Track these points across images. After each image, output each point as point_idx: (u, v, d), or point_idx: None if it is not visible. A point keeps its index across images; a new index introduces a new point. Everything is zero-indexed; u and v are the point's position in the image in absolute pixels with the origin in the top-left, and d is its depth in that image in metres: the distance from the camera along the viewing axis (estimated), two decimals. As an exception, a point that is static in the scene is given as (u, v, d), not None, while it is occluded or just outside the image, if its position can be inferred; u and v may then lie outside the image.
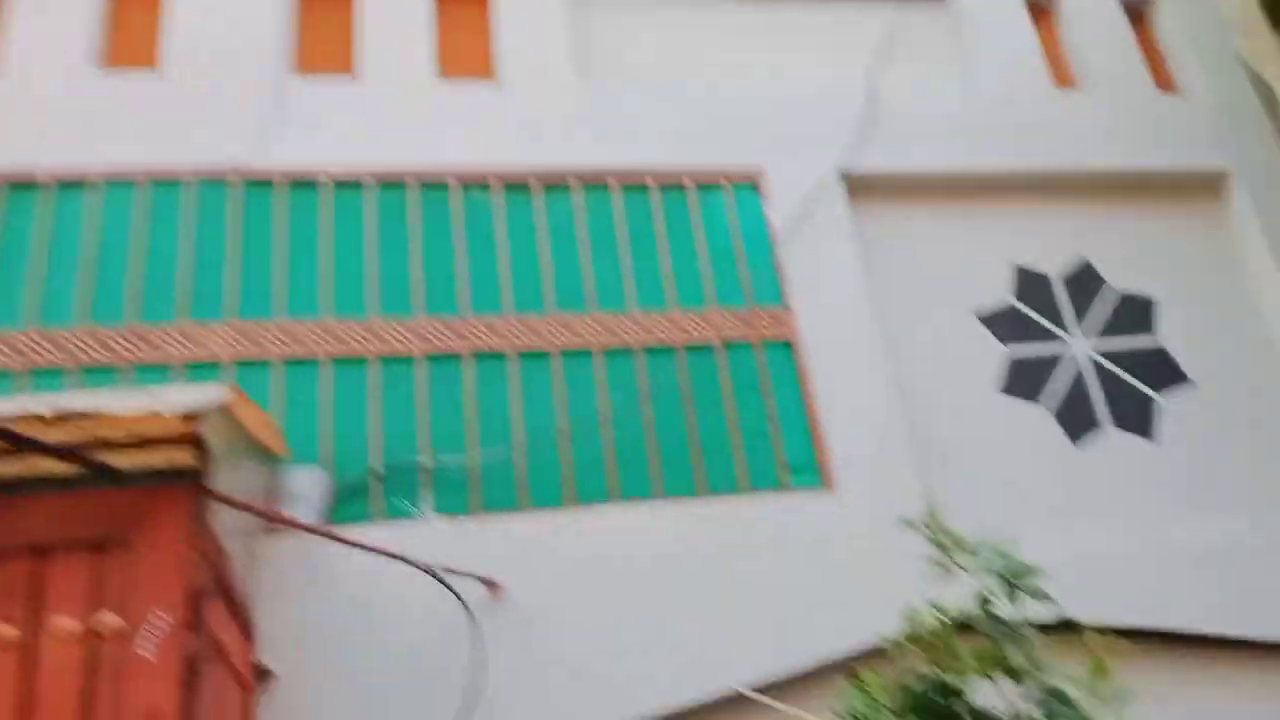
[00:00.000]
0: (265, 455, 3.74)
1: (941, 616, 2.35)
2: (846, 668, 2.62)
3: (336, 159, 4.53)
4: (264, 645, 3.45)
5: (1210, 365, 5.07)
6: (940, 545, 2.33)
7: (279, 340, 4.13)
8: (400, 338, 4.24)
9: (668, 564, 3.92)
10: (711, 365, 4.45)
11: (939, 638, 2.31)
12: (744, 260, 4.72)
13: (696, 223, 4.78)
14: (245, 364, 4.06)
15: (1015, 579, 2.21)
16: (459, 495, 4.00)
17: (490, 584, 3.67)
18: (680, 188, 4.85)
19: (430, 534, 3.82)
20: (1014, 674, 2.23)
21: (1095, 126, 5.45)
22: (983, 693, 2.39)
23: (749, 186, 4.90)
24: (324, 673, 3.51)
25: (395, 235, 4.46)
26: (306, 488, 3.87)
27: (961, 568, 2.30)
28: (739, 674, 3.54)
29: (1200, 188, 5.55)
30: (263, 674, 3.43)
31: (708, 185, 4.88)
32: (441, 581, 3.56)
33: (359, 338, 4.20)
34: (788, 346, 4.55)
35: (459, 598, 3.58)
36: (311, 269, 4.32)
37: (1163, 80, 5.90)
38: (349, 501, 3.92)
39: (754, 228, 4.80)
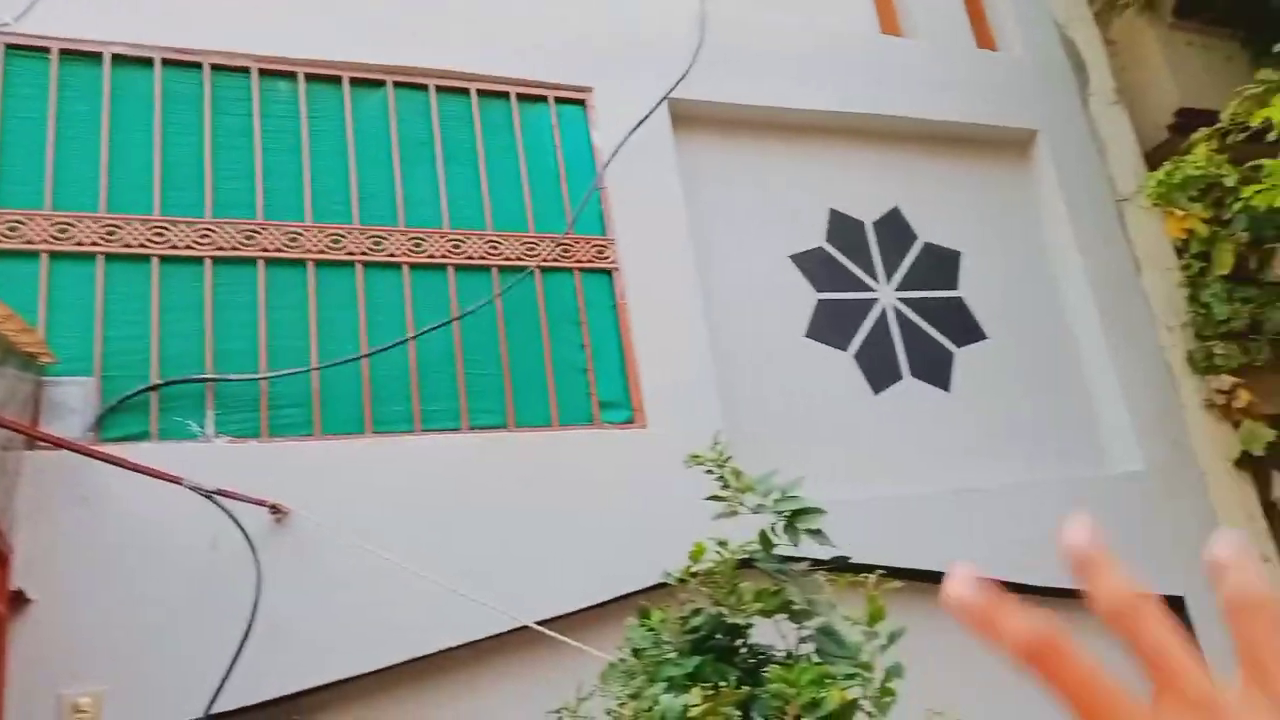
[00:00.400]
0: (23, 360, 3.36)
1: (723, 553, 2.37)
2: (639, 604, 2.60)
3: (121, 32, 4.01)
4: (23, 569, 3.15)
5: (1003, 320, 5.37)
6: (725, 482, 2.33)
7: (48, 234, 3.67)
8: (187, 239, 3.85)
9: (469, 497, 3.81)
10: (530, 291, 4.30)
11: (721, 574, 2.33)
12: (566, 183, 4.55)
13: (519, 139, 4.55)
14: (5, 256, 3.59)
15: (797, 519, 2.24)
16: (247, 415, 3.72)
17: (276, 509, 3.46)
18: (504, 98, 4.60)
19: (213, 455, 3.56)
20: (793, 613, 2.27)
21: (916, 77, 5.56)
22: (762, 631, 2.43)
23: (575, 105, 4.71)
24: (90, 598, 3.24)
25: (186, 124, 4.01)
26: (74, 400, 3.50)
27: (745, 506, 2.31)
28: (536, 609, 3.50)
29: (1011, 145, 5.81)
30: (18, 599, 3.14)
31: (532, 99, 4.65)
32: (218, 504, 3.34)
33: (140, 236, 3.79)
34: (608, 276, 4.46)
35: (237, 523, 3.37)
36: (90, 155, 3.83)
37: (983, 37, 6.09)
38: (124, 417, 3.58)
39: (578, 150, 4.63)
